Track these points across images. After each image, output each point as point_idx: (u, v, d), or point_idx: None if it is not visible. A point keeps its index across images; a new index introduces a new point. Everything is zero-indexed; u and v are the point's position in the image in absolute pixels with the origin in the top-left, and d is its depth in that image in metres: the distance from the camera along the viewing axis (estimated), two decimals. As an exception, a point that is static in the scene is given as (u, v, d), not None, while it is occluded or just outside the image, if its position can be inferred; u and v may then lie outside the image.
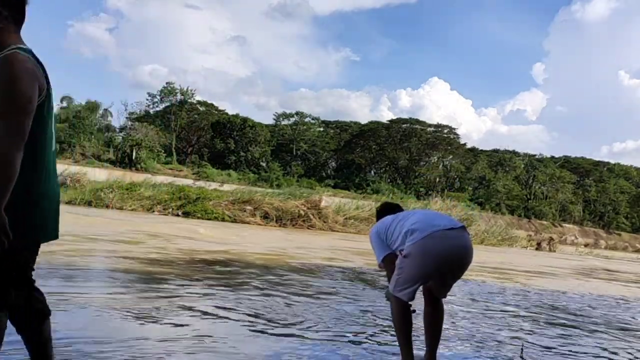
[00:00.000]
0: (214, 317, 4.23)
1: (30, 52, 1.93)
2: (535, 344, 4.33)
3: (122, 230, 11.12)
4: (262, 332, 3.87)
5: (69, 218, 12.59)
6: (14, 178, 1.79)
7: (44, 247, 2.12)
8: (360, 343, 3.83)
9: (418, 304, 3.16)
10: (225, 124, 51.15)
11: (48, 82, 1.95)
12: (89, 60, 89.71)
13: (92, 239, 8.96)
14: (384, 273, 3.31)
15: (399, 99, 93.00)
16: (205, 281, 5.98)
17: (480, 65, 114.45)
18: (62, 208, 2.18)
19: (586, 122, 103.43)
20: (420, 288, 3.01)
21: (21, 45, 1.92)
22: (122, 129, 49.08)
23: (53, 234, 2.07)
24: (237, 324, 4.06)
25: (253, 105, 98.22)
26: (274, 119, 60.61)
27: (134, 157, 39.00)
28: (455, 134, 58.36)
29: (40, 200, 1.98)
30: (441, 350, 3.43)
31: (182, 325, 3.82)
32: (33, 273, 2.10)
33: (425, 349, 3.21)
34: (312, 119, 60.57)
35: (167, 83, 52.56)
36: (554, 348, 4.31)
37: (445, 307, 3.24)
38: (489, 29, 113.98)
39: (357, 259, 10.41)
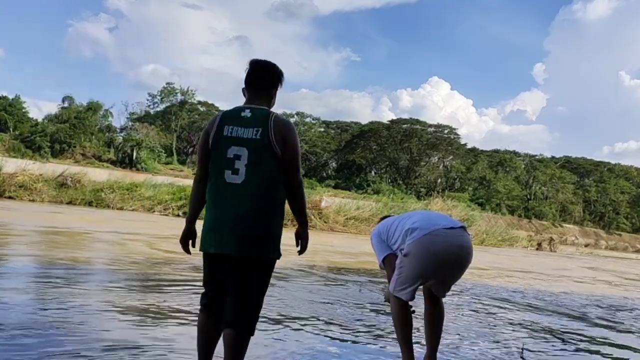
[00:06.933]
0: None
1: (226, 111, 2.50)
2: None
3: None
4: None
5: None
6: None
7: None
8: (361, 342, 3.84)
9: (418, 304, 3.18)
10: (225, 124, 51.08)
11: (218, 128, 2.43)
12: (89, 60, 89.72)
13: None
14: None
15: (399, 99, 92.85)
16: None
17: (480, 65, 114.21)
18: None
19: (587, 123, 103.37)
20: (421, 288, 3.02)
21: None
22: (122, 129, 48.99)
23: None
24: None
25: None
26: (274, 119, 60.53)
27: (134, 158, 38.99)
28: (456, 134, 58.27)
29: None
30: (442, 349, 3.44)
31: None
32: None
33: (425, 348, 3.21)
34: (313, 119, 60.62)
35: (167, 83, 52.56)
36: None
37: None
38: (489, 29, 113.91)
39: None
